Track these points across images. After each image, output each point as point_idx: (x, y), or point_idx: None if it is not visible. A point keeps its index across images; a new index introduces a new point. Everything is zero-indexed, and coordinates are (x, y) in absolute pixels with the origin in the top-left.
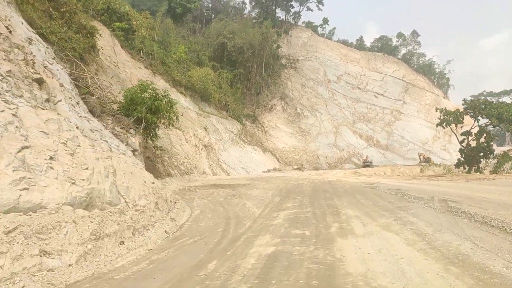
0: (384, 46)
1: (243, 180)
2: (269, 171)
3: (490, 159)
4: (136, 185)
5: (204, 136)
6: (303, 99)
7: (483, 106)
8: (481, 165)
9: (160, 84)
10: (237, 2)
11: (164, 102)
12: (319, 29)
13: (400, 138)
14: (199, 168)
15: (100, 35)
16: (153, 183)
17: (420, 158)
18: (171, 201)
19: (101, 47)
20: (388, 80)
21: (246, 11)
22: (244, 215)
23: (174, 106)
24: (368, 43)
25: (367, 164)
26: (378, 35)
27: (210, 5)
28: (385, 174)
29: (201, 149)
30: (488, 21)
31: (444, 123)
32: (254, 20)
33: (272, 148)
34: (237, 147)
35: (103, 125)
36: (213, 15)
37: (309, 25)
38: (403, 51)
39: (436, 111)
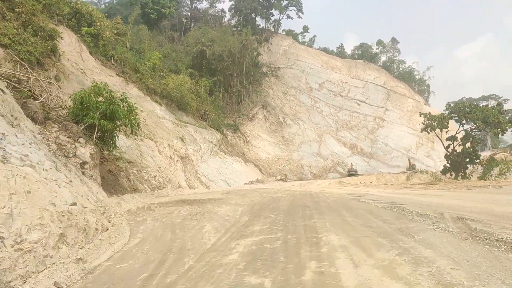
0: (364, 54)
1: (218, 194)
2: (251, 182)
3: (476, 165)
4: (30, 211)
5: (180, 146)
6: (285, 107)
7: (467, 109)
8: (467, 171)
9: (133, 92)
10: (216, 11)
11: (121, 107)
12: (300, 37)
13: (384, 146)
14: (174, 182)
15: (61, 39)
16: (74, 204)
17: (410, 162)
18: (96, 229)
19: (63, 52)
20: (369, 87)
21: (225, 20)
22: (191, 247)
23: (134, 111)
24: (348, 51)
25: (352, 173)
26: (358, 43)
27: (189, 13)
28: (371, 183)
29: (177, 161)
30: (462, 31)
31: (429, 128)
32: (234, 28)
33: (255, 159)
34: (217, 158)
35: (47, 133)
36: (192, 24)
37: (290, 33)
38: (383, 58)
39: (420, 116)
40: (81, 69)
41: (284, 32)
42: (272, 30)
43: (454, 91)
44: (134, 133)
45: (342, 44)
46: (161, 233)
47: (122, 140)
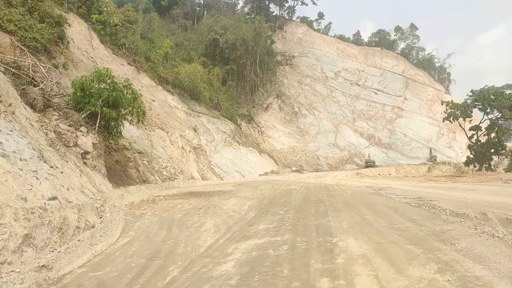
0: (382, 41)
1: (228, 186)
2: (266, 174)
3: (502, 156)
4: None
5: (193, 137)
6: (300, 97)
7: (493, 97)
8: (492, 163)
9: (145, 81)
10: None
11: (125, 94)
12: (315, 24)
13: (403, 136)
14: (186, 173)
15: (69, 25)
16: (53, 199)
17: (430, 153)
18: (77, 227)
19: (72, 40)
20: (387, 76)
21: (238, 7)
22: (183, 250)
23: (138, 98)
24: (365, 38)
25: (369, 164)
26: (375, 30)
27: (201, 1)
28: (390, 174)
29: (189, 151)
30: (483, 17)
31: (451, 117)
32: (247, 16)
33: (270, 150)
34: (231, 148)
35: (46, 121)
36: (205, 12)
37: (304, 20)
38: (402, 45)
39: (442, 104)
40: (91, 57)
41: (298, 19)
42: (287, 17)
43: (475, 79)
44: (140, 121)
45: (358, 31)
46: (155, 231)
47: (131, 130)
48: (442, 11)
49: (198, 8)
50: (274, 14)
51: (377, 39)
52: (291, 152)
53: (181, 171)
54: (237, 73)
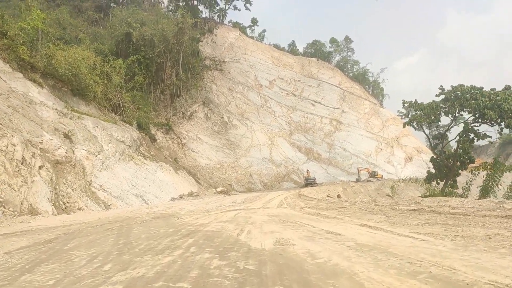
0: (317, 52)
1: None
2: (181, 197)
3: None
4: None
5: (57, 146)
6: (231, 106)
7: (468, 95)
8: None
9: None
10: None
11: None
12: (248, 31)
13: (342, 151)
14: (18, 204)
15: None
16: None
17: (359, 174)
18: None
19: None
20: (324, 87)
21: (163, 6)
22: None
23: None
24: (300, 49)
25: (309, 181)
26: (310, 41)
27: None
28: (337, 196)
29: (39, 167)
30: (399, 47)
31: (414, 122)
32: (170, 13)
33: (192, 165)
34: (131, 164)
35: None
36: (122, 7)
37: (237, 25)
38: (337, 57)
39: (404, 104)
40: None
41: (230, 24)
42: (217, 20)
43: (397, 99)
44: None
45: (293, 41)
46: None
47: None
48: (371, 31)
49: (113, 4)
50: (204, 16)
51: (313, 50)
52: (219, 169)
53: (6, 201)
54: (155, 75)
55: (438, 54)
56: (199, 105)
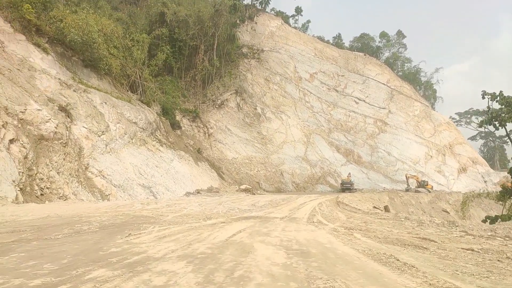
0: (365, 47)
1: None
2: (198, 192)
3: None
4: None
5: (45, 119)
6: (266, 97)
7: None
8: None
9: None
10: None
11: None
12: (291, 20)
13: (387, 155)
14: None
15: None
16: None
17: (407, 182)
18: None
19: None
20: (370, 84)
21: None
22: None
23: None
24: (346, 42)
25: (347, 186)
26: (357, 34)
27: None
28: (385, 208)
29: (9, 141)
30: (452, 52)
31: (497, 120)
32: None
33: (217, 158)
34: (142, 149)
35: None
36: None
37: (280, 14)
38: (387, 53)
39: (485, 96)
40: None
41: (273, 12)
42: (259, 7)
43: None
44: None
45: (339, 33)
46: None
47: None
48: (430, 27)
49: None
50: (245, 2)
51: (360, 44)
52: (247, 164)
53: None
54: (187, 59)
55: (490, 63)
56: (231, 94)
